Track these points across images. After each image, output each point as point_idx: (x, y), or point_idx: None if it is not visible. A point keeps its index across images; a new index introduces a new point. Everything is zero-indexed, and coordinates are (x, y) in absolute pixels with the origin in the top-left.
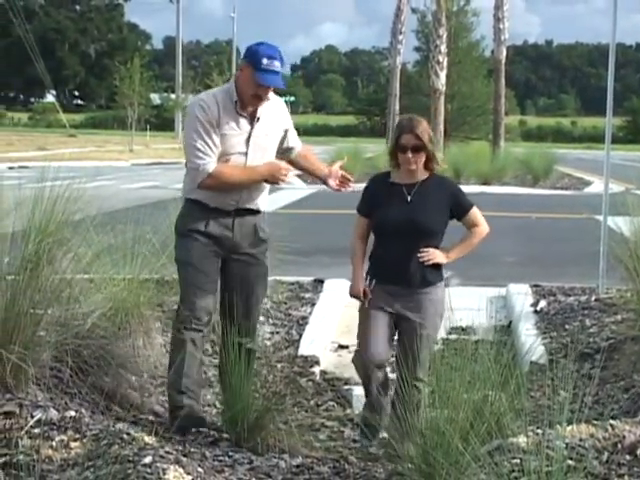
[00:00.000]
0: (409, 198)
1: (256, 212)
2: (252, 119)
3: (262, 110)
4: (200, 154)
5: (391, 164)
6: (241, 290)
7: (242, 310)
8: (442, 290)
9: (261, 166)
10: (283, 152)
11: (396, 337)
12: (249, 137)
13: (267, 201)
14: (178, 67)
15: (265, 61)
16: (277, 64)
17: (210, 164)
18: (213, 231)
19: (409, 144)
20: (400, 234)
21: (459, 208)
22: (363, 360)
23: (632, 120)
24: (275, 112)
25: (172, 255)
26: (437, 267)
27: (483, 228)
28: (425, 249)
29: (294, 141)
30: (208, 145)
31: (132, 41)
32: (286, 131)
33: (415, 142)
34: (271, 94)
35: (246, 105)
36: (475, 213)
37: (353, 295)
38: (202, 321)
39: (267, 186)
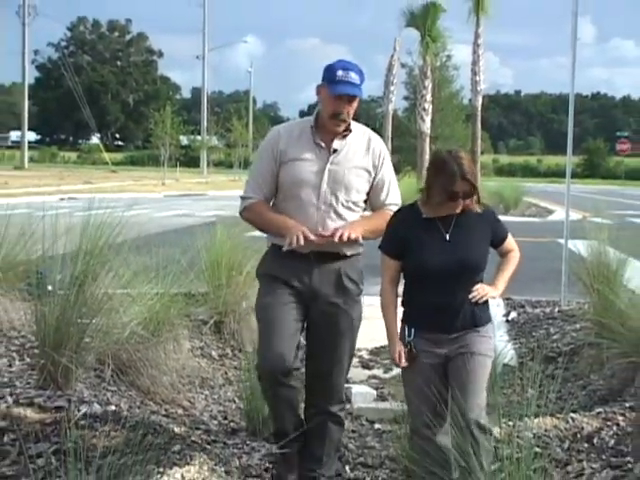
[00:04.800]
0: (447, 236)
1: (340, 256)
2: (329, 150)
3: (344, 143)
4: (247, 187)
5: (422, 199)
6: (322, 344)
7: (323, 366)
8: (492, 329)
9: (289, 221)
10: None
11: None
12: (324, 169)
13: (357, 245)
14: (203, 113)
15: (340, 72)
16: (354, 75)
17: (251, 199)
18: (288, 277)
19: (461, 191)
20: (443, 276)
21: (498, 237)
22: (419, 442)
23: (588, 158)
24: (363, 148)
25: (199, 272)
26: (486, 304)
27: (517, 252)
28: (475, 287)
29: (383, 195)
30: (257, 180)
31: (164, 91)
32: (374, 174)
33: (468, 188)
34: (362, 128)
35: (323, 129)
36: (511, 238)
37: (395, 360)
38: (279, 374)
39: None
